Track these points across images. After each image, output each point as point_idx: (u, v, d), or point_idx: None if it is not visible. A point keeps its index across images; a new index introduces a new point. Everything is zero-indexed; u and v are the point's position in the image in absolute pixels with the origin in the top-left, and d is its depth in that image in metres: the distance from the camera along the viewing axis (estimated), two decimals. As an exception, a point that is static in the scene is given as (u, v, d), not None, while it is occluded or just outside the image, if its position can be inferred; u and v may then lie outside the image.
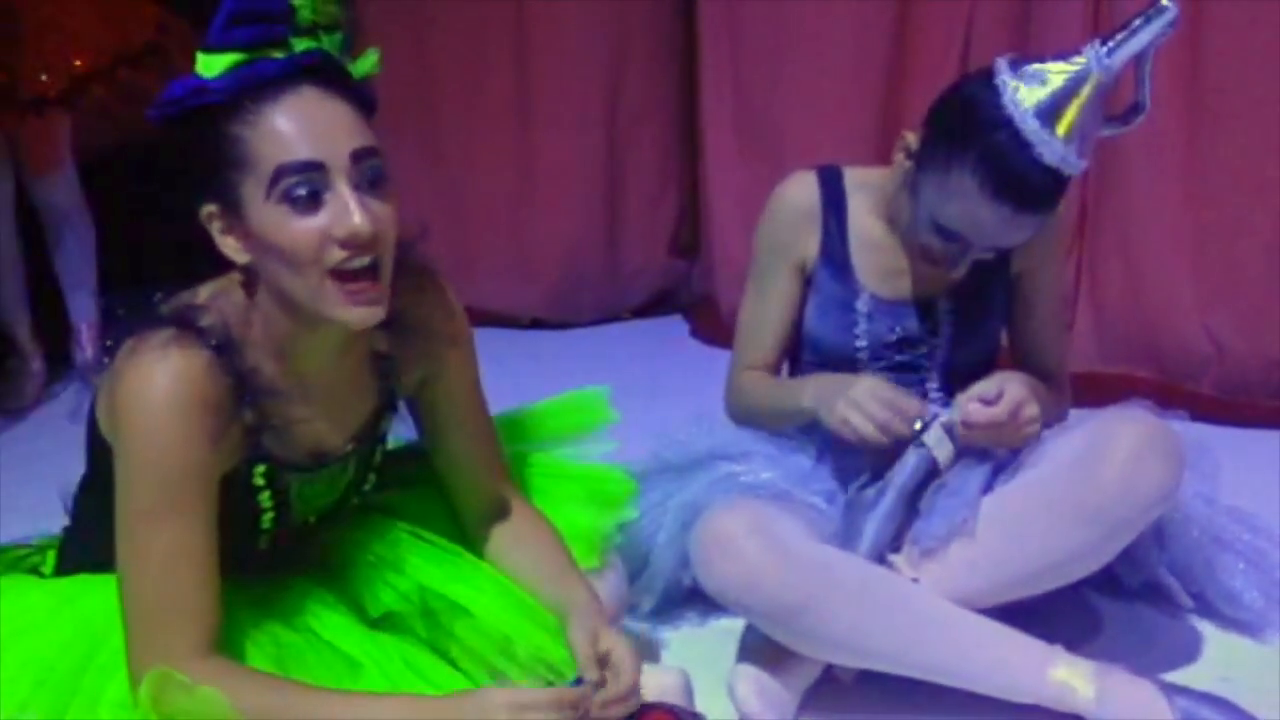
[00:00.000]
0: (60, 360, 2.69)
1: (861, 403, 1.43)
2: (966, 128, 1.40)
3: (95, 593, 1.21)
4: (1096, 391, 2.11)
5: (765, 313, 1.62)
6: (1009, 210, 1.39)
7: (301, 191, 1.08)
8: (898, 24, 2.61)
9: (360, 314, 1.12)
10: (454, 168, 3.04)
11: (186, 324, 1.14)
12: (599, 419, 1.54)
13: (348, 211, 1.08)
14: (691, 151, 3.05)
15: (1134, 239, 2.49)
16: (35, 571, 1.34)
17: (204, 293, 1.19)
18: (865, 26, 2.63)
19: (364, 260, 1.10)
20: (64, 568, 1.32)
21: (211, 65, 1.11)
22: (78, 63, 2.39)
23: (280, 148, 1.07)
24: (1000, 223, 1.41)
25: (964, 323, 1.59)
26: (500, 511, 1.38)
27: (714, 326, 2.92)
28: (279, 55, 1.10)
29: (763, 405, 1.61)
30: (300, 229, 1.08)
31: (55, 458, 1.38)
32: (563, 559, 1.35)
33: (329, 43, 1.13)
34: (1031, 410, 1.46)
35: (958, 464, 1.47)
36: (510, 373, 2.61)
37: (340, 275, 1.10)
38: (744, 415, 1.65)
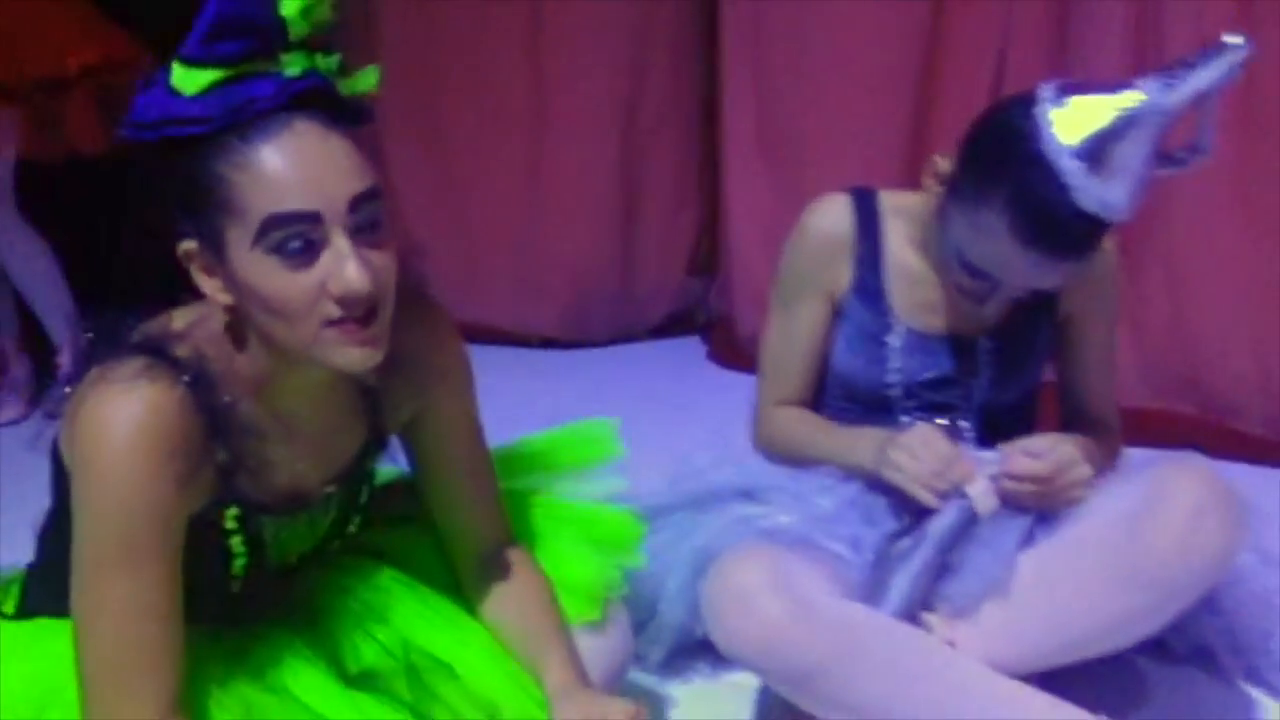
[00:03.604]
0: (50, 376, 2.61)
1: (914, 449, 1.34)
2: (999, 161, 1.29)
3: (52, 640, 1.12)
4: (1137, 428, 1.99)
5: (791, 344, 1.52)
6: (1040, 256, 1.29)
7: (295, 245, 0.98)
8: (929, 34, 2.51)
9: (359, 355, 1.03)
10: (463, 178, 2.98)
11: (159, 354, 1.04)
12: (606, 453, 1.45)
13: (345, 269, 0.98)
14: (711, 165, 2.97)
15: (1179, 267, 2.39)
16: (-2, 611, 1.25)
17: (180, 319, 1.10)
18: (895, 37, 2.53)
19: (360, 312, 1.01)
20: (26, 608, 1.23)
21: (189, 81, 0.99)
22: (23, 70, 2.31)
23: (271, 195, 0.97)
24: (1031, 268, 1.31)
25: (1005, 363, 1.48)
26: (491, 560, 1.29)
27: (732, 348, 2.85)
28: (268, 72, 0.99)
29: (802, 448, 1.52)
30: (291, 284, 0.99)
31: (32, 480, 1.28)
32: (548, 625, 1.25)
33: (324, 65, 1.02)
34: (1080, 473, 1.36)
35: (994, 516, 1.36)
36: (518, 394, 2.57)
37: (336, 321, 1.01)
38: (774, 451, 1.56)
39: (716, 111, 2.87)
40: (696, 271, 3.10)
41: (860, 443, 1.45)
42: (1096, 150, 1.25)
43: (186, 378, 1.03)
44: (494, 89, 2.89)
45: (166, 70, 1.01)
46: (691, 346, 3.04)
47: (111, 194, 2.05)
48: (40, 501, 1.20)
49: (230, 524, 1.13)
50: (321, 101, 1.00)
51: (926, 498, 1.35)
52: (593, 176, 2.94)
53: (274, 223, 0.97)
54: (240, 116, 0.97)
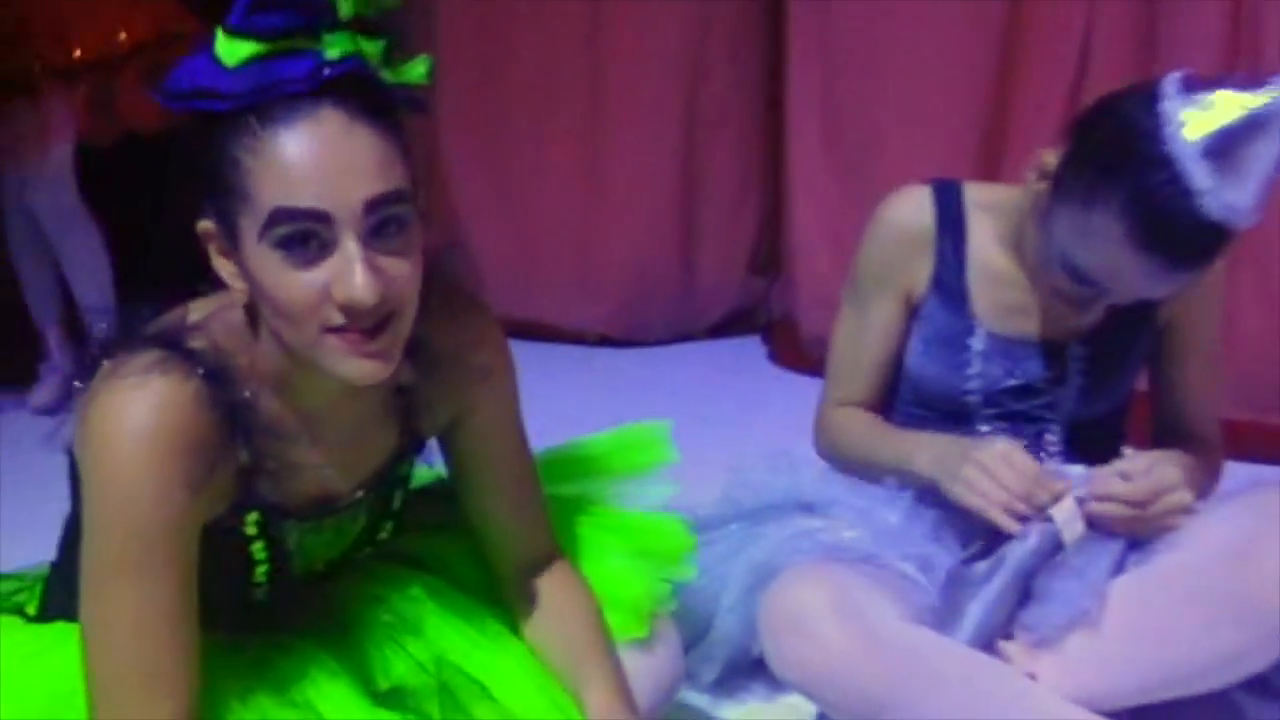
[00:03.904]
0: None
1: (993, 468, 1.22)
2: (1117, 159, 1.18)
3: (69, 646, 1.05)
4: (1227, 441, 1.86)
5: (863, 343, 1.43)
6: (1158, 265, 1.19)
7: (300, 243, 0.91)
8: (1007, 27, 2.41)
9: (361, 368, 0.95)
10: (521, 172, 2.94)
11: (174, 346, 0.98)
12: (657, 458, 1.37)
13: (350, 275, 0.90)
14: (774, 161, 2.90)
15: (1271, 271, 2.25)
16: (19, 611, 1.20)
17: (197, 310, 1.03)
18: (971, 28, 2.43)
19: (368, 323, 0.93)
20: (47, 611, 1.17)
21: (230, 52, 0.92)
22: (77, 52, 2.27)
23: (281, 187, 0.90)
24: (1145, 276, 1.20)
25: (1097, 372, 1.37)
26: (531, 572, 1.22)
27: (794, 350, 2.78)
28: (308, 51, 0.92)
29: (861, 452, 1.43)
30: (295, 284, 0.92)
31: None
32: (591, 643, 1.18)
33: (369, 49, 0.94)
34: (1178, 498, 1.25)
35: (1083, 539, 1.25)
36: (572, 393, 2.61)
37: (338, 329, 0.94)
38: (835, 456, 1.47)
39: (780, 104, 2.80)
40: (758, 269, 3.05)
41: (920, 450, 1.35)
42: (1225, 151, 1.14)
43: (202, 371, 0.97)
44: (553, 81, 2.86)
45: (213, 37, 0.94)
46: (751, 347, 2.98)
47: (159, 174, 2.02)
48: (56, 500, 1.15)
49: (251, 530, 1.07)
50: (357, 89, 0.93)
51: (1007, 524, 1.24)
52: (652, 170, 2.89)
53: (280, 217, 0.90)
54: (266, 96, 0.90)
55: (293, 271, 0.91)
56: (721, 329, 3.04)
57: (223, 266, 0.98)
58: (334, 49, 0.92)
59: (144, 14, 2.34)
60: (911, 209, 1.39)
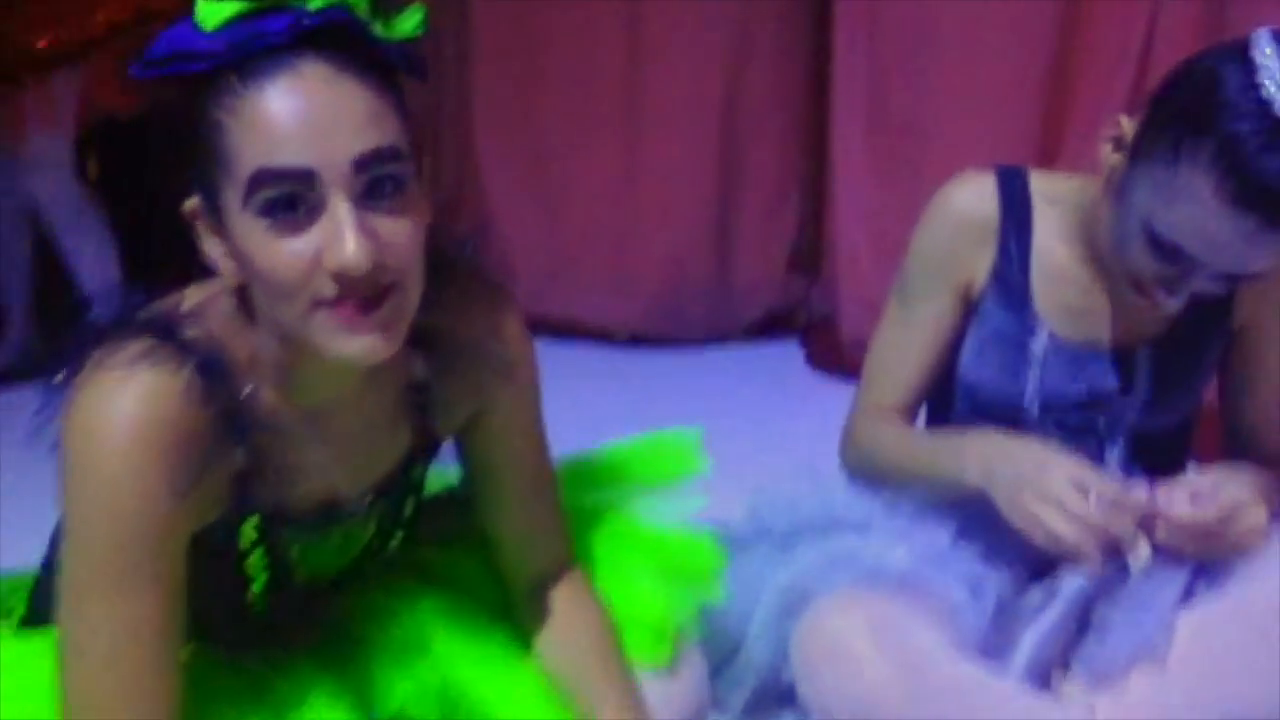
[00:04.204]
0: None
1: (1064, 498, 1.11)
2: (1205, 110, 1.08)
3: (49, 658, 0.99)
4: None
5: (909, 340, 1.32)
6: (1252, 224, 1.07)
7: (284, 206, 0.84)
8: (1065, 18, 2.29)
9: (358, 344, 0.87)
10: (555, 165, 2.86)
11: (165, 335, 0.91)
12: (687, 469, 1.29)
13: (341, 239, 0.83)
14: (817, 155, 2.80)
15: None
16: (6, 615, 1.16)
17: (190, 298, 0.96)
18: (1027, 19, 2.30)
19: (366, 292, 0.86)
20: (34, 616, 1.12)
21: (210, 14, 0.85)
22: (45, 40, 2.25)
23: (262, 146, 0.83)
24: (1238, 240, 1.08)
25: (1165, 382, 1.27)
26: (546, 587, 1.14)
27: (834, 353, 2.69)
28: (291, 6, 0.85)
29: (896, 461, 1.31)
30: (281, 252, 0.84)
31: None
32: (606, 666, 1.11)
33: (354, 1, 0.87)
34: (1254, 519, 1.15)
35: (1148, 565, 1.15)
36: (600, 394, 2.51)
37: (330, 301, 0.86)
38: (865, 468, 1.36)
39: (825, 99, 2.70)
40: (797, 268, 2.94)
41: (970, 458, 1.21)
42: None
43: (194, 363, 0.90)
44: (589, 72, 2.78)
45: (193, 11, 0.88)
46: (789, 349, 2.88)
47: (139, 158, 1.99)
48: (42, 500, 1.07)
49: (248, 538, 1.00)
50: (342, 41, 0.85)
51: (1090, 562, 1.11)
52: (690, 164, 2.80)
53: (263, 178, 0.83)
54: (244, 52, 0.84)
55: (279, 240, 0.84)
56: (758, 330, 2.94)
57: (212, 247, 0.90)
58: (317, 1, 0.85)
59: None
60: (974, 196, 1.29)
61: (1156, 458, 1.28)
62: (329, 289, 0.84)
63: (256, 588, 1.03)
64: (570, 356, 2.73)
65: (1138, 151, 1.14)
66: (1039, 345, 1.27)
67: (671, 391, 2.60)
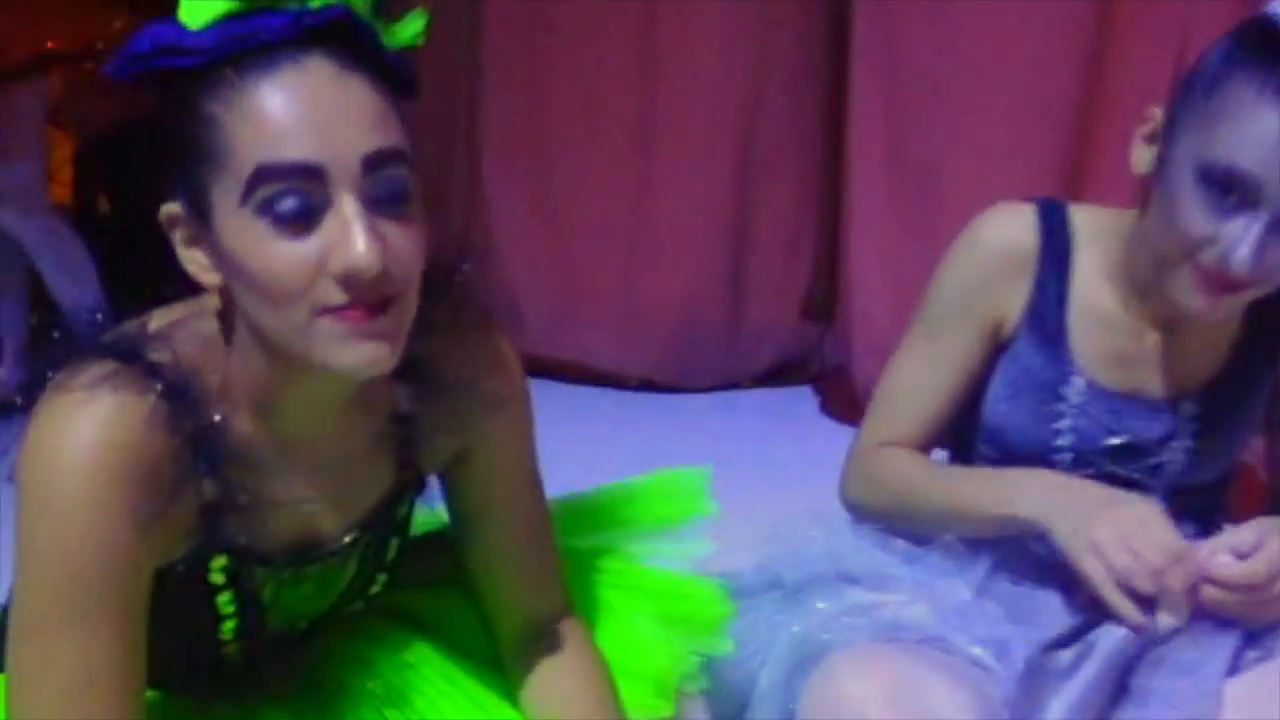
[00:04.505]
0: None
1: (1131, 537, 1.04)
2: (1232, 51, 1.06)
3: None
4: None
5: (928, 375, 1.24)
6: None
7: (289, 204, 0.79)
8: (1092, 57, 2.27)
9: (362, 355, 0.82)
10: (563, 205, 2.87)
11: (130, 358, 0.85)
12: (694, 511, 1.22)
13: (349, 238, 0.79)
14: (833, 198, 2.79)
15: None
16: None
17: (159, 319, 0.91)
18: (1051, 54, 2.29)
19: (371, 299, 0.81)
20: None
21: (196, 12, 0.81)
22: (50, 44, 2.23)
23: (265, 140, 0.78)
24: None
25: (1209, 432, 1.20)
26: (538, 636, 1.07)
27: (848, 402, 2.64)
28: (288, 8, 0.81)
29: (922, 493, 1.23)
30: (283, 255, 0.79)
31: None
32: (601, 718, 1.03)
33: (358, 1, 0.83)
34: None
35: (1191, 629, 1.06)
36: (608, 441, 2.47)
37: (336, 309, 0.81)
38: (875, 502, 1.27)
39: (842, 139, 2.69)
40: (811, 314, 2.94)
41: (1021, 488, 1.14)
42: None
43: (160, 387, 0.84)
44: (601, 112, 2.79)
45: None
46: (802, 398, 2.87)
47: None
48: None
49: (217, 577, 0.93)
50: (346, 41, 0.81)
51: (1127, 610, 1.04)
52: (702, 206, 2.80)
53: (266, 174, 0.78)
54: (241, 46, 0.79)
55: (281, 241, 0.79)
56: (771, 377, 2.93)
57: (190, 258, 0.85)
58: (316, 0, 0.81)
59: (69, 21, 2.28)
60: (1013, 228, 1.22)
61: (1192, 513, 1.20)
62: (334, 295, 0.80)
63: (226, 633, 0.96)
64: (578, 402, 2.73)
65: (1171, 121, 1.09)
66: (1075, 392, 1.19)
67: (682, 439, 2.58)
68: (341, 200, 0.79)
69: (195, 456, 0.86)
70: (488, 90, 2.80)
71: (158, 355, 0.86)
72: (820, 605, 1.20)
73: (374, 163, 0.80)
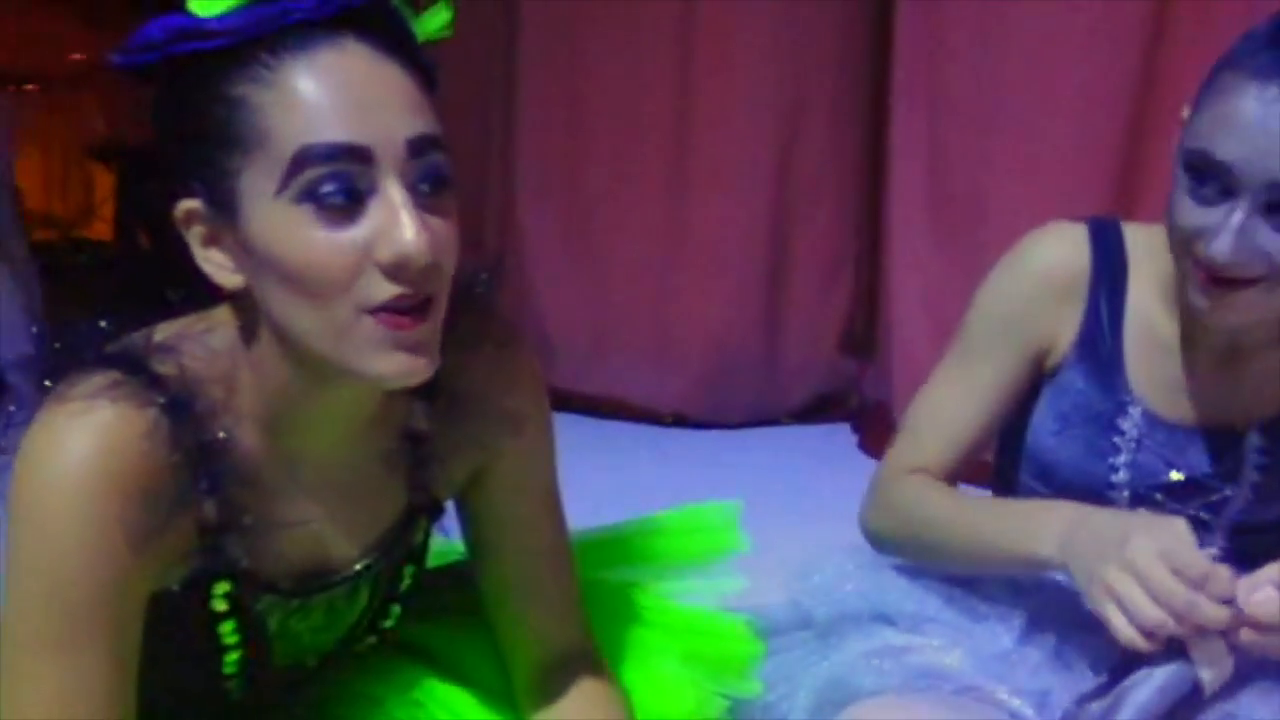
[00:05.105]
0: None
1: (1148, 572, 0.95)
2: (1238, 44, 1.01)
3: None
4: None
5: (965, 401, 1.17)
6: (1274, 93, 0.96)
7: (334, 190, 0.75)
8: (1139, 78, 2.19)
9: (399, 365, 0.79)
10: (598, 239, 2.85)
11: (133, 369, 0.82)
12: (724, 546, 1.17)
13: (398, 224, 0.76)
14: (872, 228, 2.75)
15: None
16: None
17: (167, 329, 0.87)
18: (1097, 81, 2.22)
19: (415, 297, 0.78)
20: None
21: (209, 2, 0.77)
22: None
23: (308, 121, 0.75)
24: (1262, 118, 0.96)
25: (1275, 472, 1.12)
26: (556, 672, 1.02)
27: (887, 440, 2.50)
28: None
29: (946, 525, 1.14)
30: (327, 244, 0.76)
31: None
32: None
33: None
34: None
35: (1242, 683, 0.98)
36: (641, 477, 2.42)
37: (380, 310, 0.78)
38: (898, 532, 1.19)
39: (882, 172, 2.65)
40: (850, 349, 2.89)
41: (1047, 522, 1.04)
42: None
43: (162, 399, 0.80)
44: (636, 146, 2.77)
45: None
46: (840, 434, 2.82)
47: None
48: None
49: (219, 604, 0.88)
50: (380, 25, 0.79)
51: (1139, 643, 0.94)
52: (739, 239, 2.76)
53: (309, 157, 0.75)
54: (269, 28, 0.76)
55: (324, 229, 0.76)
56: (807, 413, 2.88)
57: (209, 259, 0.81)
58: None
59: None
60: (1065, 249, 1.15)
61: (1258, 553, 1.11)
62: (380, 289, 0.76)
63: (230, 666, 0.91)
64: (611, 436, 2.71)
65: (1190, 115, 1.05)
66: (1131, 425, 1.12)
67: (716, 475, 2.53)
68: (388, 185, 0.76)
69: (196, 473, 0.82)
70: (522, 123, 2.80)
71: (162, 367, 0.82)
72: (851, 645, 1.13)
73: (418, 147, 0.77)
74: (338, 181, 0.75)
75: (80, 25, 2.44)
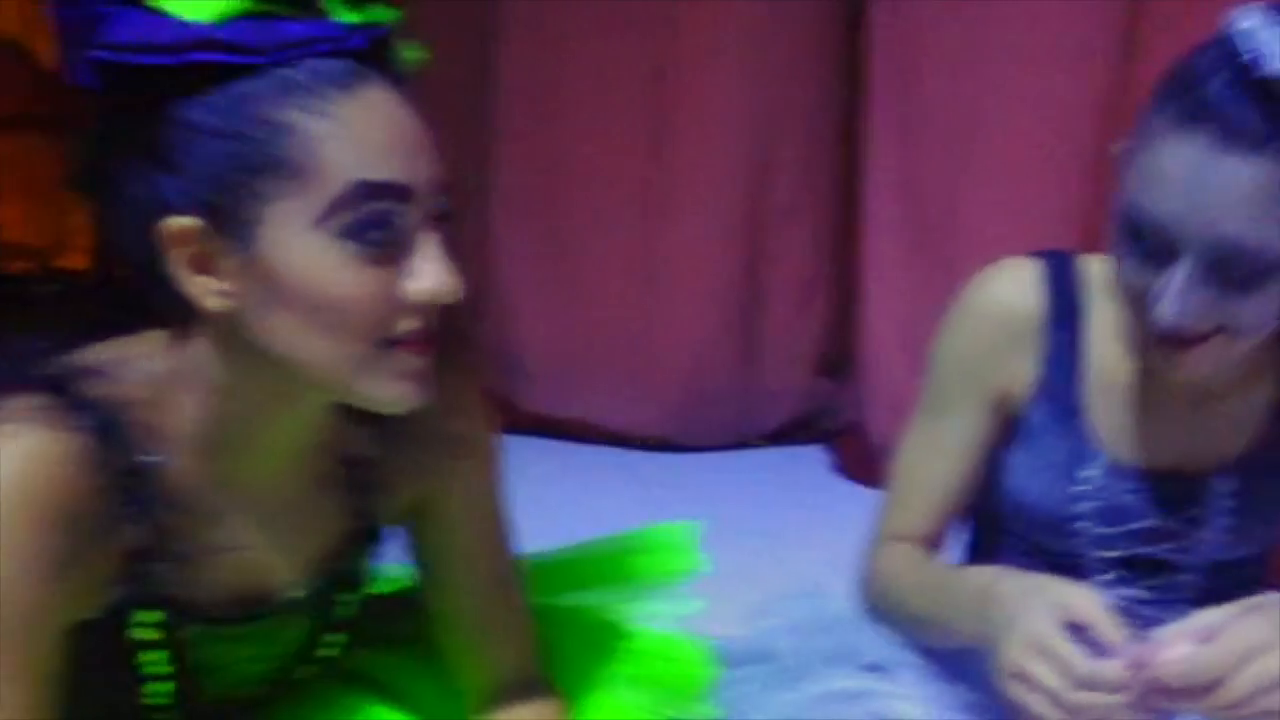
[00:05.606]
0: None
1: (1026, 670, 0.89)
2: (1158, 87, 0.96)
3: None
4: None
5: (933, 461, 1.14)
6: (1203, 142, 0.89)
7: (378, 226, 0.76)
8: (1112, 107, 2.19)
9: (407, 391, 0.81)
10: (573, 263, 2.80)
11: (61, 391, 0.80)
12: (681, 566, 1.15)
13: (435, 266, 0.78)
14: (847, 250, 2.73)
15: None
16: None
17: (106, 350, 0.84)
18: (1072, 109, 2.21)
19: (430, 330, 0.81)
20: None
21: (197, 6, 0.74)
22: None
23: (362, 157, 0.75)
24: (1194, 171, 0.90)
25: (1247, 509, 1.08)
26: (509, 702, 1.00)
27: (863, 461, 2.57)
28: (306, 13, 0.76)
29: (907, 607, 1.11)
30: (365, 283, 0.76)
31: None
32: None
33: (382, 17, 0.80)
34: (1269, 669, 0.86)
35: None
36: (616, 501, 2.38)
37: (400, 342, 0.80)
38: (880, 610, 1.16)
39: (857, 193, 2.64)
40: (826, 371, 2.87)
41: (962, 599, 1.01)
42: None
43: (91, 423, 0.79)
44: (611, 170, 2.73)
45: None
46: (816, 457, 2.80)
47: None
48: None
49: (146, 633, 0.85)
50: (391, 62, 0.79)
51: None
52: (714, 261, 2.74)
53: (361, 193, 0.75)
54: (293, 56, 0.75)
55: (364, 266, 0.76)
56: (784, 435, 2.85)
57: (193, 282, 0.77)
58: (343, 15, 0.77)
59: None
60: (1013, 289, 1.10)
61: (1237, 587, 1.06)
62: (405, 324, 0.78)
63: (158, 698, 0.88)
64: (586, 461, 2.68)
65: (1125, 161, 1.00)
66: (1095, 471, 1.08)
67: (692, 499, 2.50)
68: (422, 224, 0.78)
69: (124, 499, 0.80)
70: (498, 147, 2.77)
71: (95, 390, 0.80)
72: (813, 683, 1.10)
73: (440, 189, 0.79)
74: (383, 218, 0.76)
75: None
